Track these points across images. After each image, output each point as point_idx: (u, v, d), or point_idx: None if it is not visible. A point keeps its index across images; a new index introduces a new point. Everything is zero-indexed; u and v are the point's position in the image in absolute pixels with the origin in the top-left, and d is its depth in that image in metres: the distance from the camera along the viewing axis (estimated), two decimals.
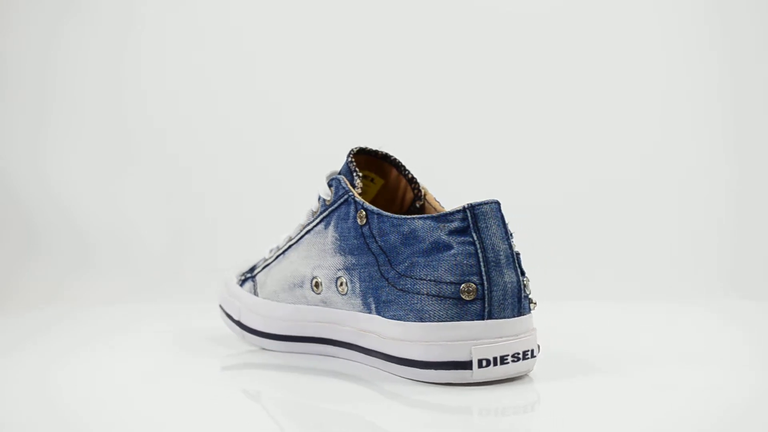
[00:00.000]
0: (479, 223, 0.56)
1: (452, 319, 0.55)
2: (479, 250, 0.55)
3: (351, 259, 0.61)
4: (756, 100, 1.21)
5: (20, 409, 0.54)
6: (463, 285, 0.55)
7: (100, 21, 1.33)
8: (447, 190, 1.19)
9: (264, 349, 0.70)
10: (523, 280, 0.56)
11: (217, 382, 0.62)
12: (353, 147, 0.66)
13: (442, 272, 0.55)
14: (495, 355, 0.55)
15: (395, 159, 0.66)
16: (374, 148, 0.67)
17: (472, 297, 0.55)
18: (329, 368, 0.62)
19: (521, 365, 0.56)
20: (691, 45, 1.24)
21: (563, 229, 1.19)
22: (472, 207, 0.56)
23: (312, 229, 0.66)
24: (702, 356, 0.65)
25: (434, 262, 0.56)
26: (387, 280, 0.58)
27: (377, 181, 0.68)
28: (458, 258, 0.55)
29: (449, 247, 0.56)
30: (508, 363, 0.55)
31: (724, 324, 0.82)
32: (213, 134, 1.32)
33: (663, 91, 1.25)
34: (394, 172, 0.67)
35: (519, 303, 0.56)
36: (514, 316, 0.55)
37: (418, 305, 0.56)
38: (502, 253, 0.55)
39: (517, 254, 0.57)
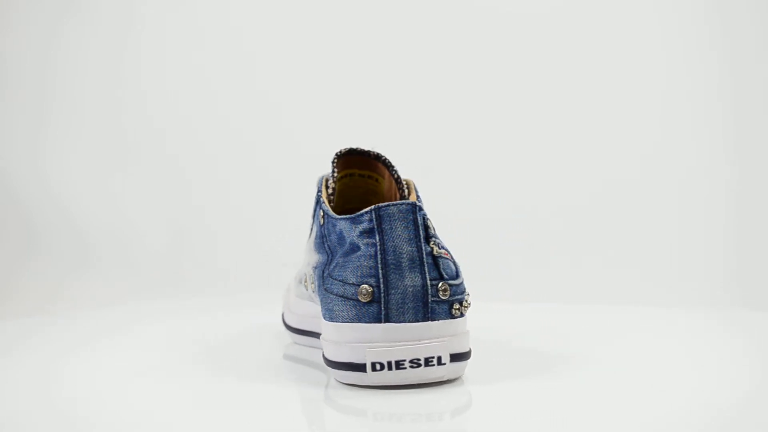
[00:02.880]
0: (383, 224, 0.55)
1: (353, 321, 0.55)
2: (379, 252, 0.54)
3: (316, 258, 0.62)
4: (757, 100, 1.21)
5: (20, 409, 0.54)
6: (360, 287, 0.54)
7: (100, 21, 1.33)
8: (447, 190, 1.19)
9: (295, 343, 0.72)
10: (438, 284, 0.55)
11: (217, 381, 0.61)
12: (342, 148, 0.66)
13: (347, 273, 0.55)
14: (389, 360, 0.53)
15: (386, 159, 0.66)
16: (367, 149, 0.66)
17: (368, 299, 0.54)
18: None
19: (422, 372, 0.54)
20: (691, 47, 1.24)
21: (562, 230, 1.19)
22: (378, 208, 0.55)
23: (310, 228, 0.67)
24: (672, 362, 0.65)
25: (346, 263, 0.56)
26: (323, 279, 0.58)
27: (381, 181, 0.68)
28: (361, 260, 0.55)
29: (358, 248, 0.56)
30: (404, 368, 0.53)
31: (718, 331, 0.81)
32: (213, 134, 1.32)
33: (663, 92, 1.25)
34: (387, 171, 0.67)
35: (424, 307, 0.54)
36: (416, 321, 0.54)
37: (331, 305, 0.56)
38: (405, 255, 0.54)
39: (437, 257, 0.55)
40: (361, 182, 0.68)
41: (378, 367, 0.54)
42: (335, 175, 0.64)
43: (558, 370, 0.61)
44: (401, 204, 0.55)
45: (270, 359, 0.69)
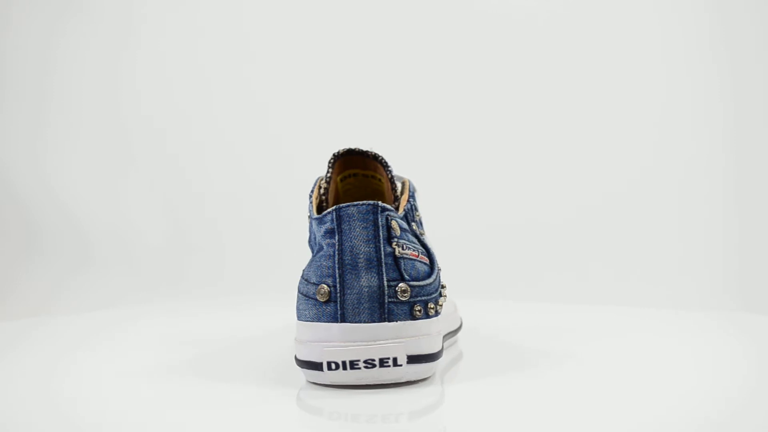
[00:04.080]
0: (343, 225, 0.55)
1: (312, 320, 0.55)
2: (337, 252, 0.54)
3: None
4: (757, 102, 1.21)
5: (20, 408, 0.54)
6: (319, 286, 0.54)
7: (100, 21, 1.33)
8: (447, 191, 1.19)
9: None
10: (396, 285, 0.54)
11: (217, 381, 0.62)
12: (340, 148, 0.65)
13: (311, 272, 0.56)
14: (344, 359, 0.53)
15: (382, 159, 0.66)
16: (365, 149, 0.66)
17: (326, 299, 0.54)
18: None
19: (377, 372, 0.54)
20: (693, 53, 1.24)
21: (562, 231, 1.19)
22: (338, 209, 0.55)
23: None
24: (670, 362, 0.65)
25: (312, 263, 0.56)
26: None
27: (383, 181, 0.68)
28: (322, 260, 0.55)
29: (322, 248, 0.56)
30: (359, 368, 0.53)
31: (716, 335, 0.81)
32: (213, 134, 1.32)
33: (663, 94, 1.25)
34: (384, 171, 0.67)
35: (381, 308, 0.54)
36: (372, 322, 0.53)
37: (298, 304, 0.56)
38: (362, 256, 0.54)
39: (399, 258, 0.55)
40: (366, 182, 0.68)
41: (333, 366, 0.54)
42: (329, 175, 0.64)
43: (541, 369, 0.61)
44: (361, 204, 0.55)
45: (259, 358, 0.68)
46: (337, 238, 0.55)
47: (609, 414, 0.51)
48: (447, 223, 0.82)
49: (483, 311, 0.80)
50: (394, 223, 0.56)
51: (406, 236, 0.57)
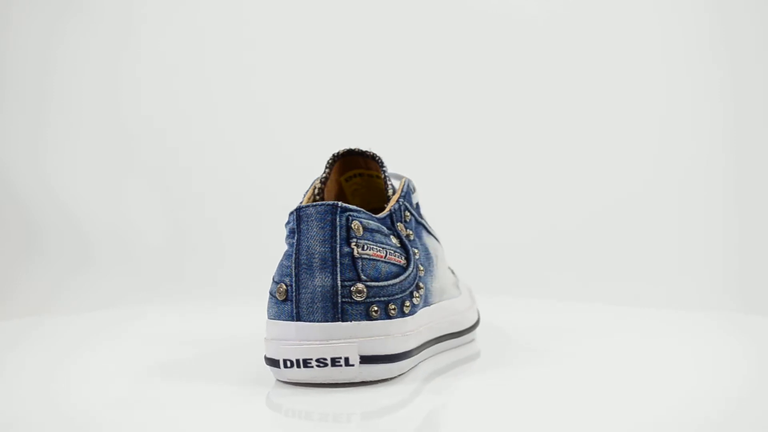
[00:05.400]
0: (301, 225, 0.55)
1: (273, 318, 0.56)
2: (294, 252, 0.55)
3: None
4: (757, 104, 1.21)
5: (20, 408, 0.54)
6: (278, 285, 0.55)
7: (100, 21, 1.33)
8: (447, 191, 1.19)
9: None
10: (351, 286, 0.54)
11: (217, 381, 0.62)
12: (340, 149, 0.66)
13: (275, 272, 0.57)
14: (298, 357, 0.54)
15: (379, 158, 0.66)
16: (363, 149, 0.66)
17: (283, 297, 0.55)
18: None
19: (330, 372, 0.54)
20: (692, 49, 1.24)
21: (562, 230, 1.19)
22: (298, 209, 0.56)
23: None
24: (668, 362, 0.65)
25: (279, 263, 0.57)
26: None
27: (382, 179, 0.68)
28: (283, 259, 0.56)
29: (286, 248, 0.57)
30: (312, 367, 0.54)
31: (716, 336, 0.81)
32: (213, 134, 1.32)
33: (662, 96, 1.25)
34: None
35: (335, 308, 0.54)
36: (325, 321, 0.54)
37: (268, 302, 0.57)
38: (317, 256, 0.55)
39: (357, 258, 0.55)
40: (371, 182, 0.68)
41: (288, 364, 0.54)
42: (324, 175, 0.64)
43: (540, 368, 0.61)
44: (320, 205, 0.55)
45: (259, 357, 0.69)
46: (296, 238, 0.55)
47: (608, 414, 0.51)
48: (449, 221, 0.82)
49: (483, 310, 0.80)
50: (355, 224, 0.56)
51: (373, 237, 0.57)
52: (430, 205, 0.75)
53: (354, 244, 0.55)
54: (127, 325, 0.87)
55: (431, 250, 0.65)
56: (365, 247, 0.56)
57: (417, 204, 0.66)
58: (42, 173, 1.30)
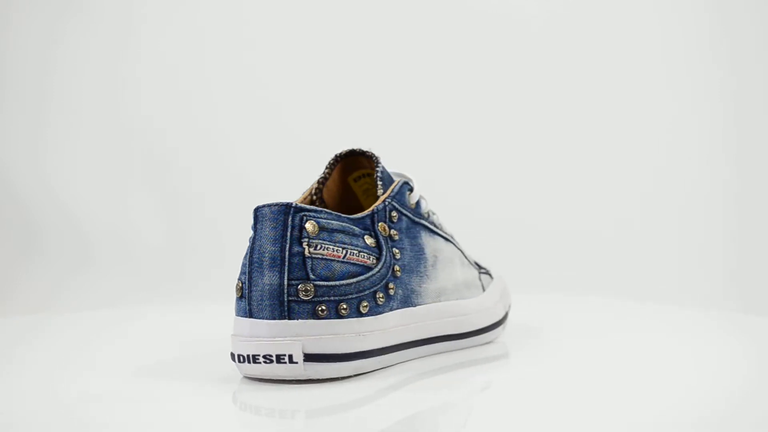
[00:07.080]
0: (257, 224, 0.57)
1: (235, 314, 0.57)
2: (249, 251, 0.56)
3: None
4: (757, 104, 1.21)
5: (21, 408, 0.54)
6: (237, 282, 0.57)
7: (100, 21, 1.33)
8: (447, 192, 1.19)
9: None
10: (299, 285, 0.55)
11: (217, 381, 0.62)
12: (342, 150, 0.66)
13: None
14: (248, 353, 0.55)
15: (376, 158, 0.66)
16: (364, 149, 0.66)
17: (239, 294, 0.57)
18: None
19: (275, 368, 0.55)
20: (692, 49, 1.24)
21: (562, 230, 1.19)
22: (256, 209, 0.57)
23: None
24: (666, 362, 0.65)
25: None
26: None
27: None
28: (243, 258, 0.57)
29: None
30: (260, 363, 0.55)
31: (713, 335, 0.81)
32: (213, 134, 1.32)
33: (662, 98, 1.25)
34: None
35: (281, 306, 0.55)
36: (272, 318, 0.55)
37: None
38: (267, 255, 0.56)
39: (308, 257, 0.55)
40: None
41: (241, 359, 0.56)
42: (324, 175, 0.64)
43: (539, 368, 0.61)
44: (273, 205, 0.57)
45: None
46: (253, 236, 0.57)
47: (608, 413, 0.51)
48: (449, 220, 0.82)
49: None
50: (310, 224, 0.56)
51: (332, 237, 0.57)
52: (431, 205, 0.75)
53: (306, 243, 0.56)
54: (127, 325, 0.87)
55: (429, 251, 0.64)
56: (318, 246, 0.56)
57: (417, 204, 0.65)
58: (42, 173, 1.30)
